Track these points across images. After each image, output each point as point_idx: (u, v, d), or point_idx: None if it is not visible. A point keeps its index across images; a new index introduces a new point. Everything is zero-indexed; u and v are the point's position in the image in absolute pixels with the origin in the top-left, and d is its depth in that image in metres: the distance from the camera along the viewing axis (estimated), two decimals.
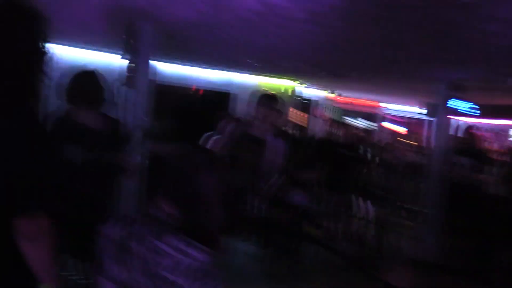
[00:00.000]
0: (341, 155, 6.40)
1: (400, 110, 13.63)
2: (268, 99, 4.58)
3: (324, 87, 10.88)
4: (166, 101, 7.94)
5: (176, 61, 8.20)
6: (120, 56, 4.78)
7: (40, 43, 1.72)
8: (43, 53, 1.72)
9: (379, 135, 12.77)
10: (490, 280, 5.69)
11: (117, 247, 1.47)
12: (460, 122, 10.28)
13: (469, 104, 6.66)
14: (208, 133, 5.92)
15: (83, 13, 4.66)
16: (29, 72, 1.68)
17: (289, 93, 9.81)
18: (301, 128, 8.44)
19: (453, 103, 6.54)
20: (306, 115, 10.54)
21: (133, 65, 4.66)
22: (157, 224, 1.46)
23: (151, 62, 4.76)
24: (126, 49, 4.67)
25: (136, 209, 4.53)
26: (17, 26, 1.66)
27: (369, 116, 13.61)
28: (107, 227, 1.54)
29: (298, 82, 9.77)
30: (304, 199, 1.43)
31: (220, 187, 1.55)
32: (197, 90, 8.67)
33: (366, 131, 9.14)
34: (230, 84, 8.98)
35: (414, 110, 12.94)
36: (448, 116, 6.85)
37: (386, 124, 13.57)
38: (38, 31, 1.71)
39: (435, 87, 6.84)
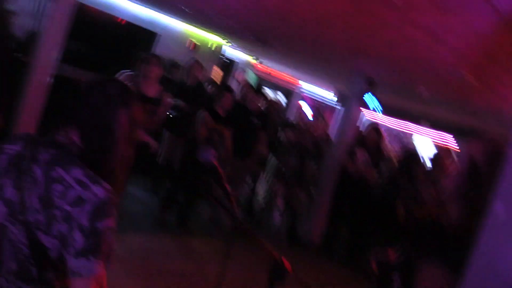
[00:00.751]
0: (251, 122, 6.45)
1: (314, 93, 13.99)
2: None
3: (247, 51, 10.91)
4: (87, 23, 7.60)
5: None
6: None
7: None
8: None
9: (291, 112, 13.08)
10: (361, 266, 6.18)
11: (15, 166, 1.41)
12: (364, 118, 10.85)
13: (377, 102, 6.98)
14: (126, 71, 5.67)
15: None
16: None
17: (214, 50, 9.74)
18: (217, 86, 8.41)
19: (366, 97, 6.83)
20: (221, 74, 10.54)
21: None
22: (63, 152, 1.41)
23: None
24: None
25: (39, 130, 4.35)
26: None
27: (285, 91, 13.86)
28: (8, 143, 1.47)
29: (226, 40, 9.71)
30: (210, 156, 1.47)
31: (131, 124, 1.51)
32: (122, 22, 8.33)
33: (279, 104, 9.29)
34: (155, 24, 8.73)
35: (328, 96, 13.37)
36: (356, 108, 7.17)
37: (300, 103, 13.90)
38: None
39: (351, 77, 7.11)
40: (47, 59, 4.37)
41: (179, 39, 9.08)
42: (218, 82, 9.06)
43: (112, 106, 1.46)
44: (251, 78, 11.99)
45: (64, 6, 4.41)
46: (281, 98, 13.13)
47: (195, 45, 9.26)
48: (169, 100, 4.95)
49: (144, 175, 6.83)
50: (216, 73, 9.97)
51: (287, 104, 13.49)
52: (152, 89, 4.73)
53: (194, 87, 6.63)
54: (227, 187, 1.72)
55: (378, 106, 7.13)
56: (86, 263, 1.31)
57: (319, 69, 9.07)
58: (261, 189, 7.71)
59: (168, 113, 5.95)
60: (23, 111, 4.27)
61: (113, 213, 1.36)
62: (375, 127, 7.12)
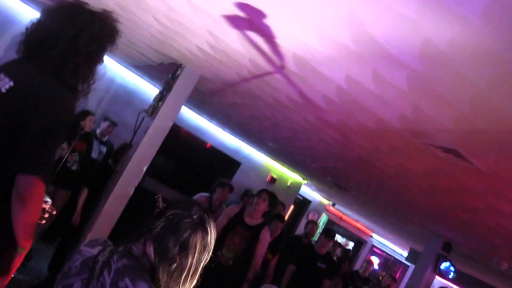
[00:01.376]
0: (317, 266, 6.30)
1: (385, 245, 13.54)
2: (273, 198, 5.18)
3: (323, 193, 10.96)
4: (176, 143, 8.06)
5: (201, 113, 8.38)
6: (157, 89, 4.94)
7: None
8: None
9: (359, 263, 12.61)
10: None
11: (88, 268, 1.44)
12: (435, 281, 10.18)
13: (450, 266, 6.62)
14: (204, 194, 5.88)
15: (143, 44, 4.88)
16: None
17: (291, 186, 9.88)
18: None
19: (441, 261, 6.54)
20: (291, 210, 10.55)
21: (160, 96, 4.80)
22: (134, 264, 1.43)
23: (179, 104, 4.89)
24: (166, 86, 4.83)
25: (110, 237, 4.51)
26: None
27: (355, 239, 13.52)
28: (86, 244, 1.53)
29: (305, 180, 9.86)
30: None
31: (206, 252, 1.51)
32: (208, 146, 8.78)
33: (347, 252, 9.04)
34: (238, 153, 9.11)
35: (399, 251, 12.86)
36: (429, 269, 6.81)
37: (370, 257, 13.42)
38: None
39: (427, 237, 6.87)
40: (135, 170, 4.63)
41: (259, 171, 9.35)
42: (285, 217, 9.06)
43: (191, 227, 1.48)
44: (323, 219, 11.89)
45: (162, 125, 4.74)
46: (349, 245, 12.80)
47: (272, 178, 9.48)
48: (268, 236, 5.13)
49: None
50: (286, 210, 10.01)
51: (354, 253, 13.08)
52: (254, 220, 5.06)
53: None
54: None
55: (451, 270, 6.74)
56: None
57: (394, 224, 8.85)
58: None
59: None
60: (100, 215, 4.46)
61: None
62: None
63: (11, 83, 1.80)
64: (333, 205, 11.93)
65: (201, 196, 5.85)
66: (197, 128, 8.64)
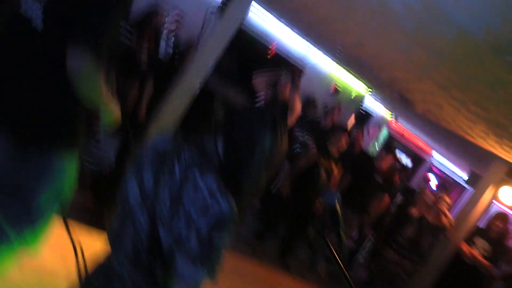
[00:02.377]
0: (374, 179, 6.29)
1: (445, 165, 13.29)
2: None
3: (387, 106, 10.71)
4: (240, 45, 7.97)
5: (270, 11, 8.16)
6: None
7: None
8: None
9: (416, 181, 12.53)
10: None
11: (157, 159, 1.47)
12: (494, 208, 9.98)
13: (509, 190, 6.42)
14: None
15: None
16: None
17: (354, 98, 9.69)
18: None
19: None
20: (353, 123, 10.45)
21: None
22: (204, 157, 1.45)
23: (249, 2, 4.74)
24: None
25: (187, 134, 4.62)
26: None
27: (414, 156, 13.33)
28: (156, 138, 1.56)
29: (369, 90, 9.62)
30: (334, 200, 1.41)
31: (274, 154, 1.51)
32: (272, 51, 8.64)
33: (407, 169, 8.92)
34: (303, 61, 8.92)
35: (457, 172, 12.64)
36: (488, 194, 6.64)
37: (428, 175, 13.26)
38: None
39: (491, 161, 6.64)
40: (200, 69, 4.63)
41: (323, 81, 9.18)
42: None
43: (263, 130, 1.47)
44: (383, 135, 11.72)
45: (228, 26, 4.66)
46: (408, 162, 12.66)
47: (336, 89, 9.30)
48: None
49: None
50: (350, 122, 9.89)
51: (413, 170, 12.96)
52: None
53: (327, 129, 6.64)
54: (342, 235, 1.65)
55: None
56: (194, 269, 1.32)
57: (457, 144, 8.60)
58: (366, 248, 7.43)
59: (294, 147, 6.05)
60: (166, 109, 4.56)
61: (231, 231, 1.36)
62: (503, 217, 6.50)
63: None
64: (396, 118, 11.66)
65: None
66: (263, 32, 8.45)
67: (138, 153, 1.55)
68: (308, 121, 6.69)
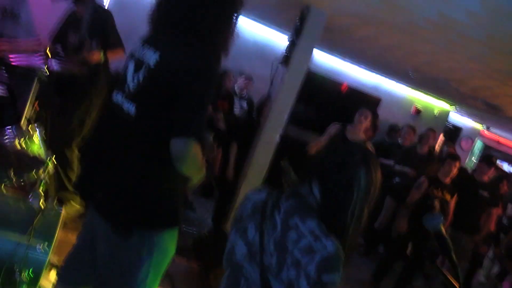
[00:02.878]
0: (479, 194, 5.94)
1: None
2: None
3: (475, 117, 10.23)
4: (314, 89, 8.04)
5: (333, 54, 8.23)
6: (286, 37, 4.92)
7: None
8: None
9: None
10: None
11: (256, 212, 1.52)
12: None
13: None
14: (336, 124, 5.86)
15: None
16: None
17: (438, 116, 9.37)
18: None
19: None
20: (442, 140, 10.02)
21: (292, 43, 4.78)
22: (302, 202, 1.48)
23: (311, 48, 4.83)
24: (295, 32, 4.79)
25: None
26: None
27: None
28: (253, 192, 1.62)
29: (453, 107, 9.28)
30: (439, 224, 1.34)
31: (371, 188, 1.50)
32: (345, 87, 8.62)
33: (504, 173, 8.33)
34: (378, 89, 8.82)
35: None
36: None
37: None
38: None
39: None
40: (277, 120, 4.73)
41: (402, 104, 9.00)
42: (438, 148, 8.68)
43: (356, 166, 1.48)
44: (478, 146, 11.15)
45: (296, 73, 4.76)
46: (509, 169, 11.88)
47: (417, 110, 9.06)
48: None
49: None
50: (439, 140, 9.55)
51: None
52: (356, 136, 4.97)
53: (425, 154, 6.46)
54: (454, 259, 1.58)
55: None
56: None
57: None
58: (485, 267, 6.97)
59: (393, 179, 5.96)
60: (251, 165, 4.67)
61: (339, 269, 1.36)
62: None
63: (157, 57, 1.88)
64: (487, 128, 11.08)
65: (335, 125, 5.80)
66: (332, 70, 8.51)
67: (237, 211, 1.61)
68: (404, 151, 6.58)
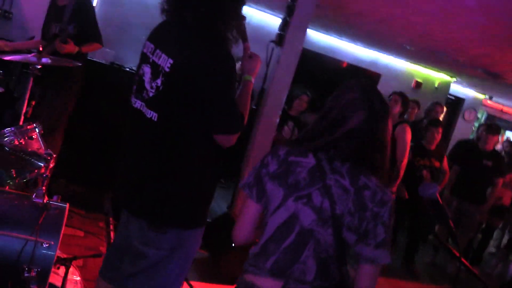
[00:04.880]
0: (482, 164, 5.92)
1: None
2: None
3: (476, 87, 10.16)
4: (310, 68, 8.01)
5: (329, 32, 8.18)
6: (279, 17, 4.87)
7: None
8: None
9: None
10: None
11: (316, 178, 1.59)
12: None
13: None
14: None
15: None
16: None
17: (439, 88, 9.32)
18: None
19: None
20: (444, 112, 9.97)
21: (285, 22, 4.74)
22: (355, 164, 1.59)
23: (305, 26, 4.79)
24: (287, 11, 4.75)
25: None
26: None
27: None
28: (296, 155, 1.65)
29: (453, 78, 9.22)
30: (434, 192, 1.34)
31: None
32: (344, 64, 8.58)
33: None
34: (377, 65, 8.77)
35: None
36: None
37: None
38: None
39: None
40: (275, 103, 4.72)
41: (402, 79, 8.95)
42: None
43: (380, 119, 1.61)
44: (481, 116, 11.10)
45: (292, 52, 4.73)
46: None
47: (417, 83, 9.01)
48: (403, 133, 5.08)
49: None
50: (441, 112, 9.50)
51: None
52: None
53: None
54: (452, 225, 1.59)
55: None
56: (383, 252, 1.53)
57: None
58: (495, 238, 7.00)
59: None
60: (253, 148, 4.69)
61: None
62: None
63: (171, 60, 1.87)
64: (490, 98, 11.01)
65: None
66: (328, 48, 8.47)
67: (286, 176, 1.63)
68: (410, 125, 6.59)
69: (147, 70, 1.97)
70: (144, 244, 2.05)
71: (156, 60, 1.93)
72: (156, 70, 1.92)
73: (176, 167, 1.99)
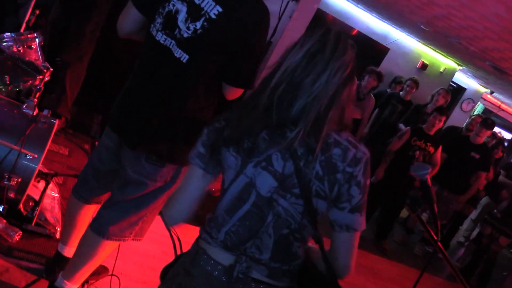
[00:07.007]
0: (470, 156, 5.98)
1: None
2: None
3: (480, 80, 10.11)
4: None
5: None
6: None
7: None
8: None
9: None
10: None
11: (276, 139, 1.40)
12: None
13: None
14: None
15: None
16: None
17: (444, 73, 9.25)
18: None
19: None
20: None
21: None
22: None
23: None
24: None
25: None
26: None
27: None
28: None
29: (460, 66, 9.14)
30: (425, 174, 1.33)
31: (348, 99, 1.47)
32: (354, 32, 8.45)
33: (502, 140, 8.33)
34: (386, 38, 8.65)
35: None
36: None
37: None
38: None
39: None
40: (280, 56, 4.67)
41: (408, 57, 8.85)
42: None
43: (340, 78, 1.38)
44: (479, 109, 11.10)
45: (306, 10, 4.65)
46: (506, 135, 11.92)
47: (423, 64, 8.93)
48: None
49: None
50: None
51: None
52: None
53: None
54: (436, 209, 1.60)
55: None
56: (358, 217, 1.37)
57: None
58: (466, 229, 7.15)
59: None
60: None
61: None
62: None
63: (219, 8, 1.83)
64: (491, 93, 10.99)
65: None
66: (343, 13, 8.31)
67: (244, 142, 1.41)
68: (413, 109, 6.62)
69: (181, 7, 1.90)
70: (139, 174, 2.09)
71: (198, 1, 1.87)
72: (195, 11, 1.87)
73: (189, 110, 2.03)
